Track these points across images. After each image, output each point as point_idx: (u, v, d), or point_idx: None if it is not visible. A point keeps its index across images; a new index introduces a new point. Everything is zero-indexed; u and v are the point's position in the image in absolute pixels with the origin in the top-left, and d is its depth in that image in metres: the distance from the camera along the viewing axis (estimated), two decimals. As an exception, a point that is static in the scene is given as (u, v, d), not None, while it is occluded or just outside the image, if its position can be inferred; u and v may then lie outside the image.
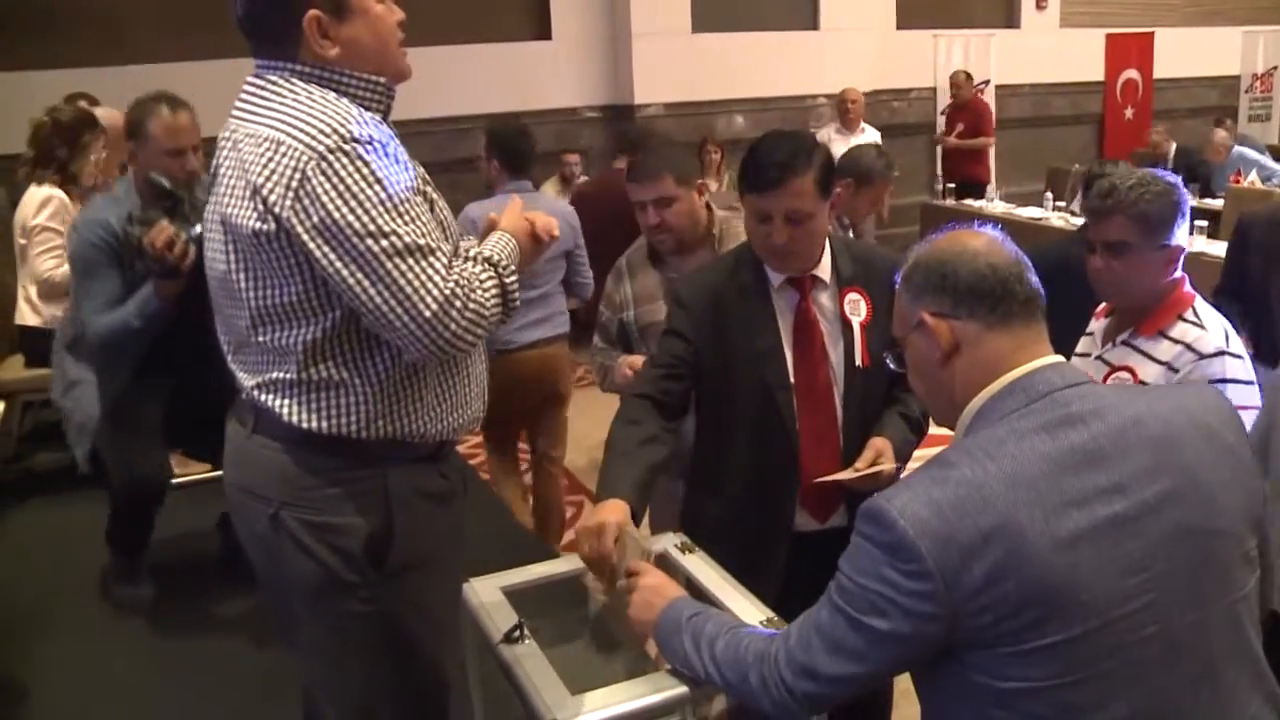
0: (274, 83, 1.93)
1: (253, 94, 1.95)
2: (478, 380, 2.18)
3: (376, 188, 1.82)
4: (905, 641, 1.44)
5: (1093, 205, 2.53)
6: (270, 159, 1.83)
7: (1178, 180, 2.47)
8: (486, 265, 1.98)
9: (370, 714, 2.14)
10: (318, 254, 1.82)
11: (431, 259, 1.85)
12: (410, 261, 1.83)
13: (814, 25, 9.57)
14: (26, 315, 4.73)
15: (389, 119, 2.05)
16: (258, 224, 1.84)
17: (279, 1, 1.91)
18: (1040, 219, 7.96)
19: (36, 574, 4.11)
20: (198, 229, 3.18)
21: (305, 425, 1.97)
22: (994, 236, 1.64)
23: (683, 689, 1.91)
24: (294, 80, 1.93)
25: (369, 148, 1.83)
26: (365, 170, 1.81)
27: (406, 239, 1.83)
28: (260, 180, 1.83)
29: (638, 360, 2.92)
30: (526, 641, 2.06)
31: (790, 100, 9.38)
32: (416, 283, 1.83)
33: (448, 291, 1.85)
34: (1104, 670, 1.40)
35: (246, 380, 2.03)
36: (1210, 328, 2.43)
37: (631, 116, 8.82)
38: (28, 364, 4.85)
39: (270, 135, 1.85)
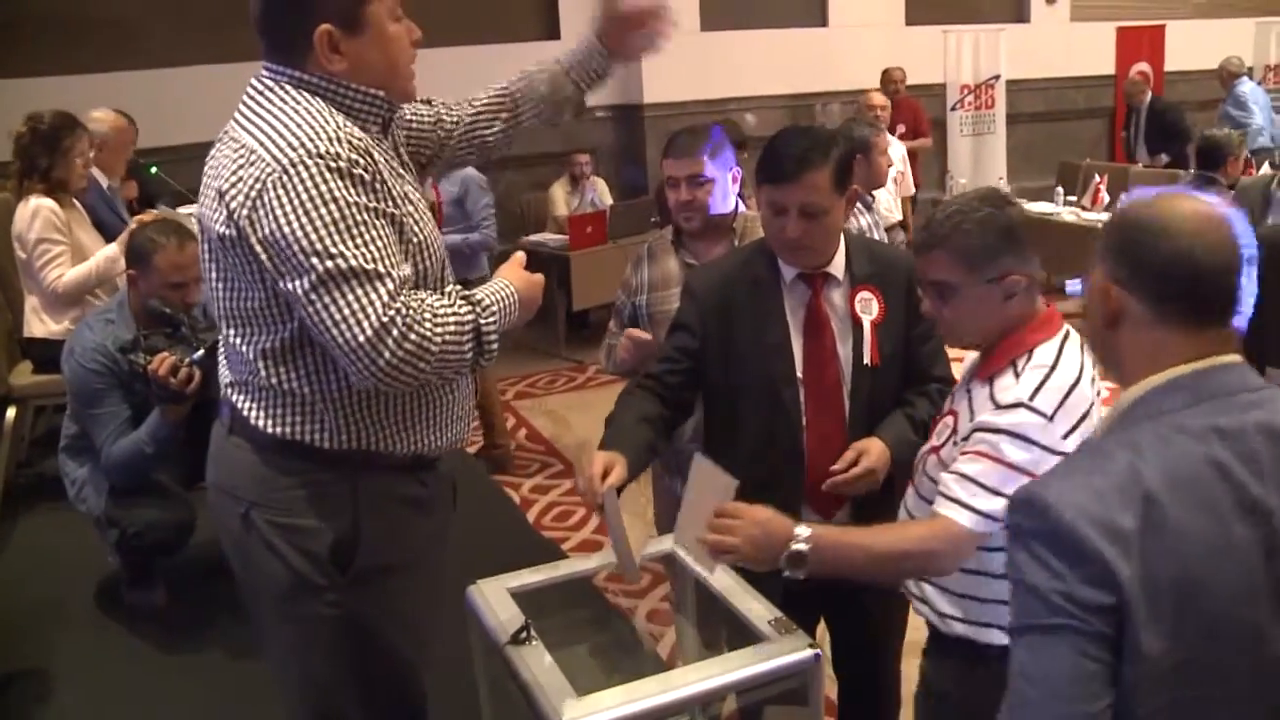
0: (269, 89, 1.95)
1: (252, 98, 1.97)
2: (457, 404, 2.17)
3: (330, 207, 1.81)
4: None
5: (915, 240, 2.21)
6: (239, 167, 1.86)
7: (1004, 200, 2.07)
8: (465, 302, 1.96)
9: (338, 717, 2.15)
10: (268, 265, 1.85)
11: (375, 284, 1.82)
12: (350, 285, 1.81)
13: (823, 22, 9.55)
14: (34, 326, 4.75)
15: (389, 132, 2.08)
16: (222, 228, 1.89)
17: (293, 12, 1.92)
18: (1051, 214, 7.92)
19: (49, 578, 4.13)
20: (200, 353, 3.28)
21: (269, 430, 2.00)
22: (1218, 216, 1.46)
23: (691, 689, 1.91)
24: (288, 89, 1.94)
25: (333, 164, 1.82)
26: (323, 188, 1.81)
27: (351, 262, 1.81)
28: (225, 186, 1.87)
29: (636, 331, 2.96)
30: (533, 643, 2.05)
31: (800, 97, 9.36)
32: (355, 306, 1.81)
33: (385, 319, 1.82)
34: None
35: (224, 376, 2.09)
36: (1025, 380, 1.97)
37: (640, 115, 8.81)
38: (35, 371, 4.86)
39: (247, 143, 1.88)
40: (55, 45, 7.29)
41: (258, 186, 1.82)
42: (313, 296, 1.81)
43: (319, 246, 1.80)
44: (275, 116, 1.89)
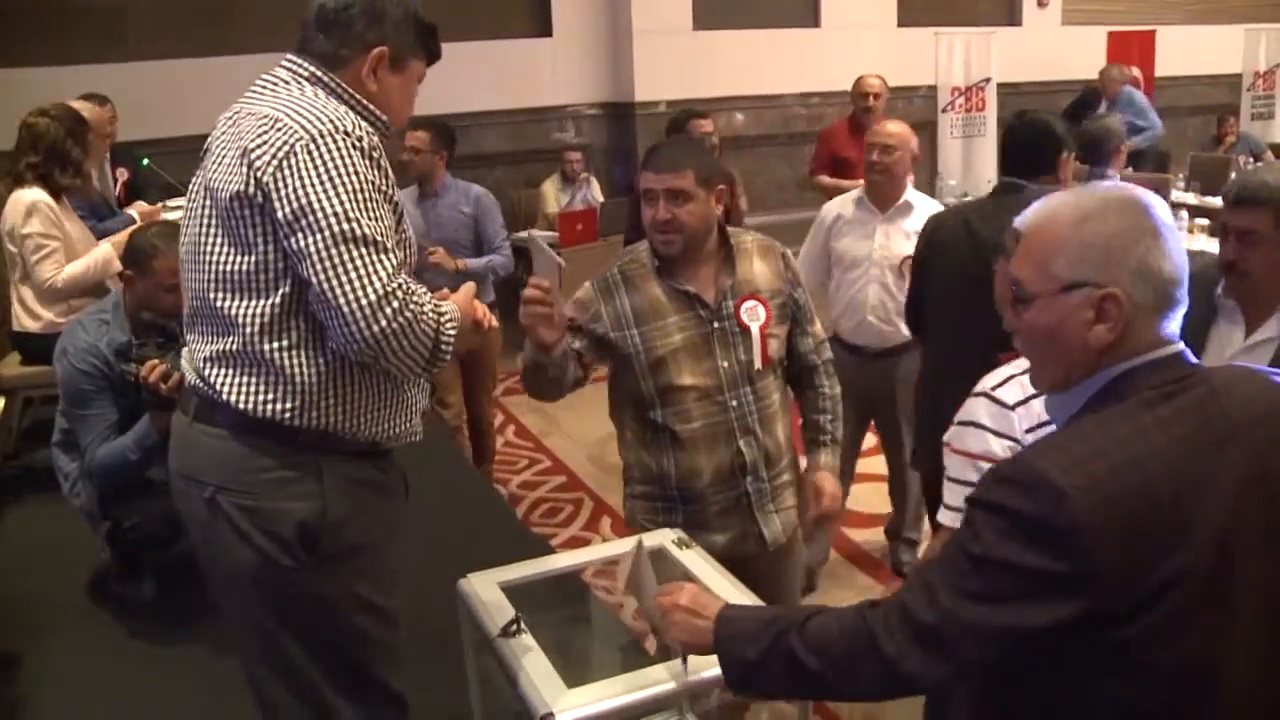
0: (289, 84, 2.09)
1: (272, 84, 2.11)
2: (413, 399, 2.24)
3: (352, 178, 1.95)
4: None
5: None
6: (265, 131, 1.98)
7: None
8: (434, 308, 2.03)
9: (316, 701, 2.17)
10: (284, 221, 1.93)
11: (383, 255, 1.95)
12: (364, 249, 1.92)
13: (815, 23, 9.57)
14: (24, 320, 4.72)
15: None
16: (239, 186, 1.97)
17: (364, 26, 2.11)
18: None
19: (37, 570, 4.11)
20: None
21: (242, 405, 2.04)
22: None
23: (682, 683, 1.92)
24: (307, 86, 2.09)
25: (356, 143, 1.98)
26: (347, 161, 1.95)
27: (366, 230, 1.93)
28: (251, 145, 1.97)
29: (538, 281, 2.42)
30: (523, 635, 2.07)
31: (791, 98, 9.37)
32: (364, 269, 1.92)
33: (391, 287, 1.93)
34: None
35: (198, 351, 2.11)
36: (998, 370, 2.28)
37: (632, 114, 8.82)
38: (24, 363, 4.84)
39: (270, 114, 2.01)
40: (44, 36, 7.28)
41: (285, 149, 1.94)
42: (326, 253, 1.90)
43: (339, 209, 1.92)
44: (299, 100, 2.03)
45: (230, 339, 2.04)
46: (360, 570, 2.17)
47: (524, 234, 7.99)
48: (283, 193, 1.93)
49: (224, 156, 2.04)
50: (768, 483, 2.78)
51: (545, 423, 6.18)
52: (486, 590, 2.26)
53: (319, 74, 2.10)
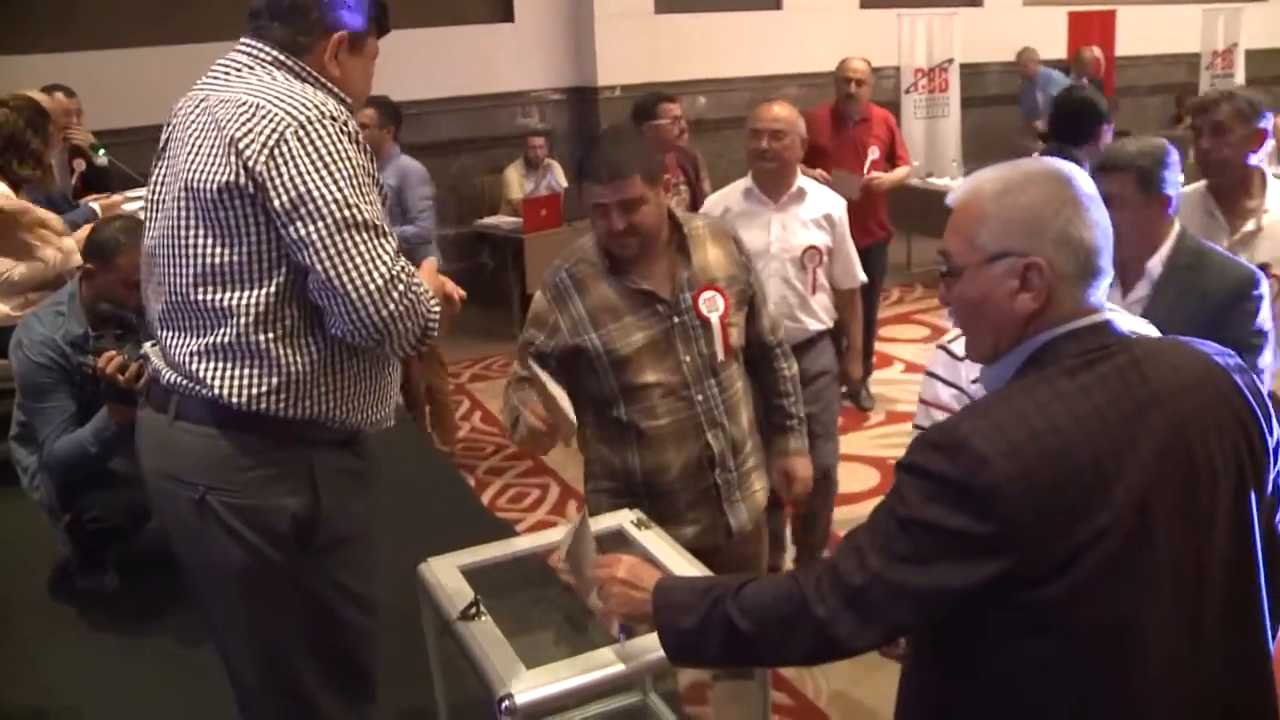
0: (253, 69, 2.06)
1: (231, 70, 2.07)
2: (393, 383, 2.25)
3: (345, 163, 1.95)
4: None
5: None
6: (249, 118, 1.94)
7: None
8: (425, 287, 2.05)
9: (297, 691, 2.18)
10: (281, 210, 1.92)
11: (385, 240, 1.97)
12: (366, 235, 1.93)
13: (777, 5, 9.57)
14: None
15: None
16: (227, 177, 1.94)
17: (322, 11, 2.08)
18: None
19: (-3, 564, 4.09)
20: (148, 347, 3.19)
21: (235, 398, 2.00)
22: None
23: (640, 662, 1.93)
24: (273, 70, 2.06)
25: (344, 129, 1.98)
26: (337, 146, 1.95)
27: (366, 215, 1.94)
28: (238, 134, 1.93)
29: (539, 409, 2.41)
30: (483, 618, 2.07)
31: (754, 81, 9.37)
32: (369, 255, 1.93)
33: (396, 270, 1.95)
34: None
35: (180, 348, 2.05)
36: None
37: (595, 98, 8.80)
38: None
39: (249, 100, 1.97)
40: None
41: (274, 136, 1.92)
42: (329, 240, 1.90)
43: (338, 196, 1.92)
44: (272, 86, 2.00)
45: (220, 331, 2.01)
46: (345, 560, 2.18)
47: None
48: (278, 181, 1.91)
49: (200, 146, 2.00)
50: (735, 472, 2.78)
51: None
52: (447, 574, 2.27)
53: (282, 58, 2.07)
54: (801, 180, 3.87)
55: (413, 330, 1.99)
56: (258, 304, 1.98)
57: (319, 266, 1.91)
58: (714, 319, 2.68)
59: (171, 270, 2.05)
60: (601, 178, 2.55)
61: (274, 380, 2.01)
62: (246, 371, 2.01)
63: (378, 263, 1.92)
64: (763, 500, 2.90)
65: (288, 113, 1.93)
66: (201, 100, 2.05)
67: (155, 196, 2.12)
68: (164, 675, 3.28)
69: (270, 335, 2.00)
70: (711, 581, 1.76)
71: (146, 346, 2.21)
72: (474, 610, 2.08)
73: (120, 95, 6.64)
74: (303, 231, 1.91)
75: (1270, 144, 3.20)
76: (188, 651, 3.38)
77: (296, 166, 1.90)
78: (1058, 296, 1.53)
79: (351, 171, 1.95)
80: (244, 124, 1.94)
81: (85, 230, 4.31)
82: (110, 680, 3.29)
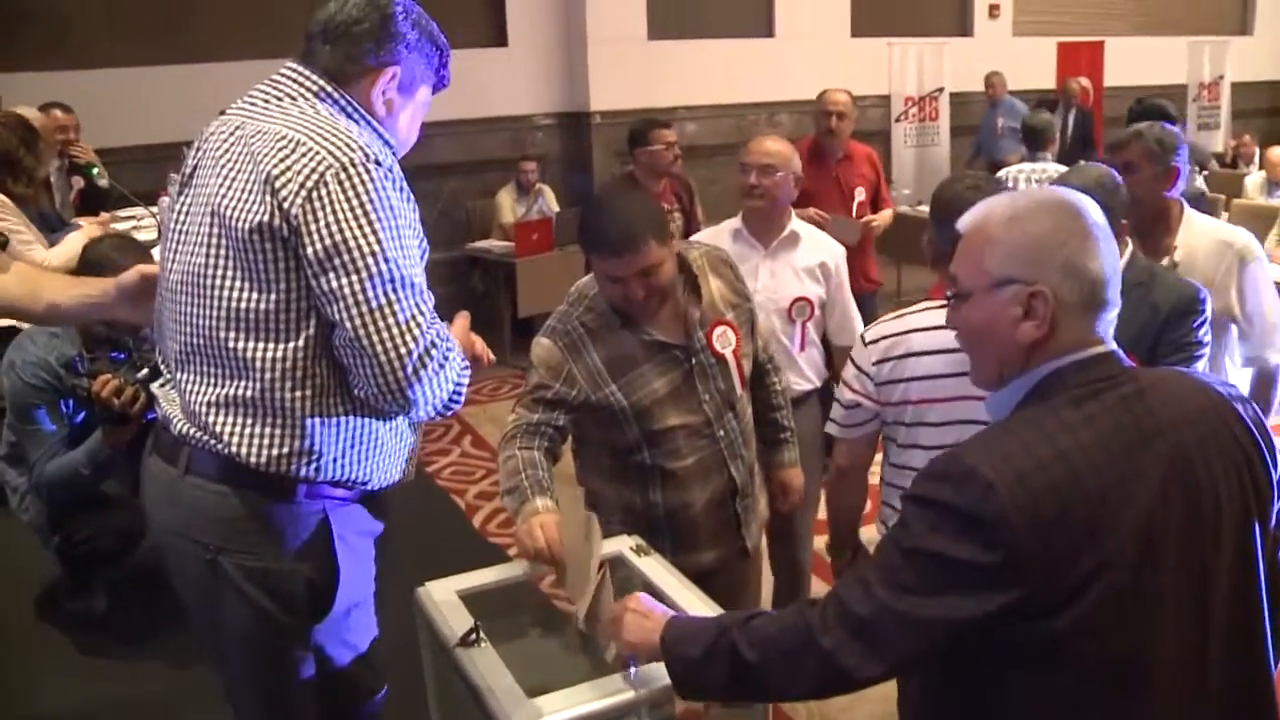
0: (295, 99, 1.94)
1: (272, 97, 1.94)
2: (413, 444, 2.15)
3: (387, 213, 1.81)
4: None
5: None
6: (287, 155, 1.81)
7: None
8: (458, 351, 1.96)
9: None
10: (314, 258, 1.78)
11: (422, 299, 1.84)
12: (405, 293, 1.81)
13: (769, 32, 9.62)
14: None
15: None
16: (262, 216, 1.80)
17: (373, 40, 1.96)
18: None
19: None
20: (145, 372, 3.19)
21: (254, 459, 1.88)
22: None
23: (644, 691, 1.92)
24: (324, 106, 1.93)
25: (389, 174, 1.84)
26: (381, 193, 1.81)
27: (404, 271, 1.81)
28: (275, 172, 1.80)
29: (550, 522, 2.29)
30: (482, 645, 2.06)
31: (746, 107, 9.41)
32: (404, 315, 1.80)
33: (433, 335, 1.84)
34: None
35: (196, 394, 1.92)
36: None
37: (587, 123, 8.82)
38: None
39: (289, 135, 1.84)
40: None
41: (314, 177, 1.79)
42: (363, 296, 1.78)
43: (377, 247, 1.78)
44: (316, 121, 1.87)
45: (243, 384, 1.87)
46: (356, 621, 2.14)
47: (479, 245, 7.95)
48: (313, 227, 1.77)
49: (234, 178, 1.85)
50: (751, 497, 2.79)
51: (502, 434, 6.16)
52: (445, 598, 2.25)
53: (328, 89, 1.94)
54: (796, 223, 3.51)
55: (439, 398, 1.88)
56: (285, 359, 1.85)
57: (348, 324, 1.78)
58: (728, 354, 2.65)
59: (195, 307, 1.90)
60: (615, 251, 2.43)
61: (297, 444, 1.89)
62: (269, 430, 1.88)
63: (412, 325, 1.80)
64: (765, 511, 2.93)
65: (330, 152, 1.80)
66: (236, 128, 1.91)
67: (180, 225, 1.97)
68: (152, 697, 3.26)
69: (298, 394, 1.87)
70: (722, 615, 1.77)
71: (155, 387, 2.08)
72: (474, 637, 2.06)
73: (111, 115, 6.64)
74: (335, 284, 1.77)
75: (1188, 172, 3.28)
76: (177, 674, 3.36)
77: (334, 212, 1.77)
78: (1063, 326, 1.53)
79: (393, 221, 1.81)
80: (282, 161, 1.80)
81: (66, 244, 4.31)
82: (98, 703, 3.27)
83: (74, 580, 3.75)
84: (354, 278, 1.77)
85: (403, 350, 1.79)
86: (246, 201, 1.82)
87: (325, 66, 1.96)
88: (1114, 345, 1.57)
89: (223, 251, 1.87)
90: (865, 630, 1.48)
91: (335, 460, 1.94)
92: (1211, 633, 1.50)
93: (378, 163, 1.83)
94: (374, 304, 1.78)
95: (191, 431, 1.93)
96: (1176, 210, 3.22)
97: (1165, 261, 3.12)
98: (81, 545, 3.58)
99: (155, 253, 4.12)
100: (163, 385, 2.05)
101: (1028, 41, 11.41)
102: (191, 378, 1.94)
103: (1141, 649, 1.46)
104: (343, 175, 1.79)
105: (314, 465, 1.92)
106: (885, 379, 2.48)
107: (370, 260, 1.77)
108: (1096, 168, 2.82)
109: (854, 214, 5.16)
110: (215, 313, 1.88)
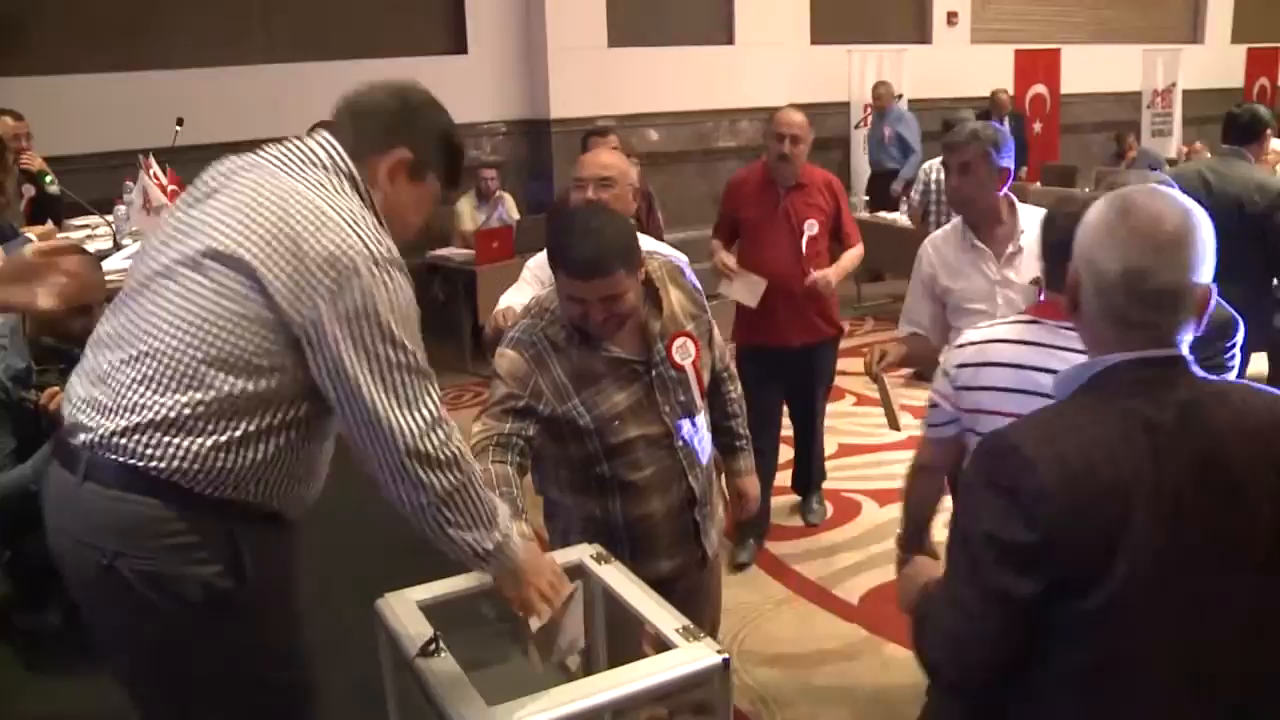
0: (328, 170, 1.99)
1: (306, 160, 1.99)
2: (325, 468, 2.18)
3: (408, 308, 1.93)
4: None
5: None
6: (320, 229, 1.88)
7: None
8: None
9: None
10: (331, 337, 1.86)
11: (432, 385, 1.96)
12: (416, 378, 1.92)
13: (729, 40, 9.65)
14: None
15: None
16: (280, 279, 1.86)
17: (391, 122, 2.05)
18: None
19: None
20: None
21: (154, 463, 1.87)
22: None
23: (600, 698, 1.91)
24: (348, 190, 1.99)
25: (404, 272, 1.96)
26: (404, 291, 1.93)
27: (418, 360, 1.93)
28: (309, 244, 1.87)
29: (554, 561, 2.27)
30: (443, 655, 2.04)
31: (706, 115, 9.43)
32: (414, 396, 1.91)
33: (440, 414, 1.94)
34: None
35: (133, 418, 1.89)
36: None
37: (547, 130, 8.81)
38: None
39: (330, 216, 1.90)
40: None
41: (346, 261, 1.86)
42: (379, 378, 1.87)
43: (396, 336, 1.89)
44: (349, 207, 1.95)
45: (199, 401, 1.88)
46: (271, 620, 2.06)
47: (439, 253, 7.90)
48: (339, 307, 1.85)
49: (255, 225, 1.89)
50: (709, 505, 2.80)
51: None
52: (404, 610, 2.23)
53: (353, 172, 2.00)
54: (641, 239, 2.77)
55: (468, 508, 1.96)
56: (261, 391, 1.91)
57: (362, 402, 1.87)
58: (688, 365, 2.65)
59: (170, 328, 1.90)
60: (581, 274, 2.42)
61: (241, 472, 1.93)
62: (198, 443, 1.89)
63: (426, 403, 1.92)
64: (722, 515, 2.97)
65: (363, 244, 1.88)
66: (270, 176, 1.95)
67: (177, 236, 1.96)
68: (109, 712, 3.20)
69: (266, 424, 1.94)
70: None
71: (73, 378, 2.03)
72: (433, 647, 2.05)
73: (66, 122, 6.56)
74: (350, 364, 1.86)
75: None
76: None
77: (360, 298, 1.86)
78: (1103, 323, 1.60)
79: (409, 316, 1.93)
80: (318, 237, 1.87)
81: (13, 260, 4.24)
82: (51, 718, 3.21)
83: (27, 596, 3.69)
84: (369, 361, 1.88)
85: (413, 425, 1.90)
86: (268, 254, 1.87)
87: (347, 145, 2.03)
88: (1179, 351, 1.60)
89: (224, 289, 1.89)
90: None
91: (244, 486, 1.95)
92: (1233, 632, 1.54)
93: (399, 265, 1.94)
94: (386, 384, 1.89)
95: (92, 438, 1.91)
96: (1006, 201, 3.45)
97: (1012, 248, 3.37)
98: (32, 560, 3.52)
99: (106, 264, 4.08)
100: (79, 375, 2.01)
101: (986, 49, 11.54)
102: (135, 384, 1.91)
103: (1163, 634, 1.51)
104: (374, 269, 1.88)
105: (218, 486, 1.92)
106: (963, 384, 2.45)
107: (387, 348, 1.89)
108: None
109: (803, 249, 4.61)
110: (199, 350, 1.89)
